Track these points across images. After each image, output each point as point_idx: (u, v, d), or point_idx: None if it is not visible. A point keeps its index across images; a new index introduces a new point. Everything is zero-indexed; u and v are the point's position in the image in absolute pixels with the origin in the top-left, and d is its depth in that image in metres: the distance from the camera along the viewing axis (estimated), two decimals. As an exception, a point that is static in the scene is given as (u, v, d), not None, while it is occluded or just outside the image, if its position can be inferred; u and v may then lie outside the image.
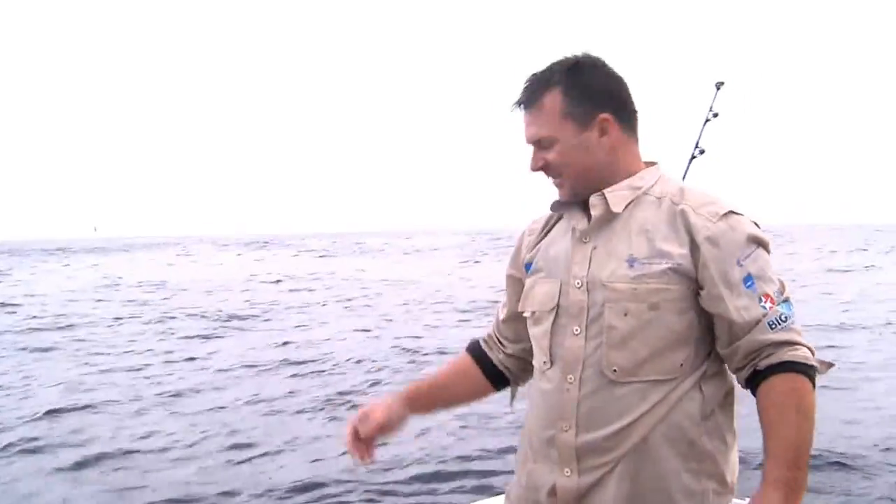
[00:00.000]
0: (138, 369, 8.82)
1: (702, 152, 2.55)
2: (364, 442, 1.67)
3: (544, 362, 1.50)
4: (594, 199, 1.46)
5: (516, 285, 1.64)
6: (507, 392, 1.74)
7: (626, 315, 1.39)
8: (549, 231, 1.60)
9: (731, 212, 1.43)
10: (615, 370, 1.39)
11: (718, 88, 2.52)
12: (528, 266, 1.60)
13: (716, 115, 2.53)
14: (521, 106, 1.50)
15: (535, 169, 1.50)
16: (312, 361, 9.05)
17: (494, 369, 1.70)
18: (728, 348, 1.41)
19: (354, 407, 6.31)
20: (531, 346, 1.58)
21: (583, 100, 1.45)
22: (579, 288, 1.45)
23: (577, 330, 1.44)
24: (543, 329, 1.50)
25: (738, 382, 1.45)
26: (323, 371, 8.56)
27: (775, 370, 1.36)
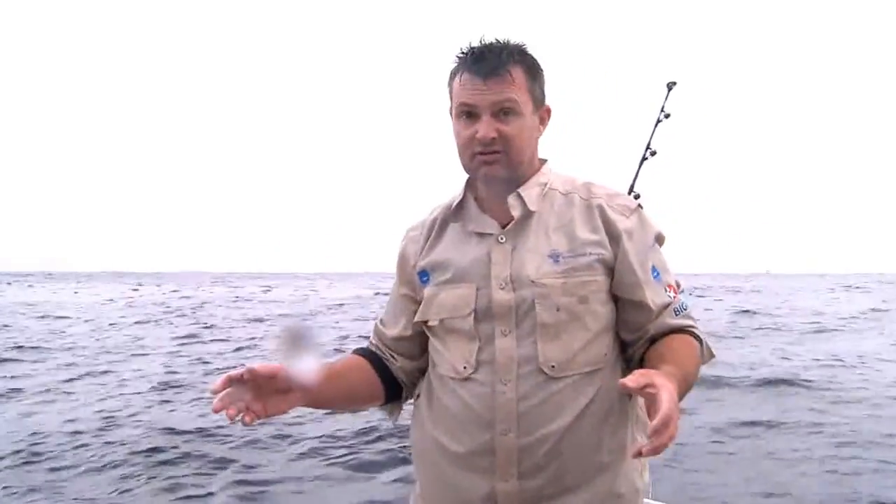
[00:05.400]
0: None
1: (653, 153, 2.52)
2: (253, 391, 1.31)
3: (464, 367, 1.46)
4: (512, 200, 1.47)
5: (410, 302, 1.58)
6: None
7: (557, 310, 1.41)
8: (433, 236, 1.56)
9: (639, 206, 1.51)
10: (553, 365, 1.40)
11: (670, 89, 2.50)
12: (422, 274, 1.55)
13: (667, 116, 2.50)
14: (487, 71, 1.39)
15: (487, 137, 1.39)
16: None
17: (390, 375, 1.60)
18: (636, 333, 1.47)
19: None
20: (423, 363, 1.58)
21: (537, 85, 1.45)
22: (503, 289, 1.44)
23: (505, 330, 1.43)
24: (461, 335, 1.47)
25: (632, 364, 1.49)
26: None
27: (676, 332, 1.46)
